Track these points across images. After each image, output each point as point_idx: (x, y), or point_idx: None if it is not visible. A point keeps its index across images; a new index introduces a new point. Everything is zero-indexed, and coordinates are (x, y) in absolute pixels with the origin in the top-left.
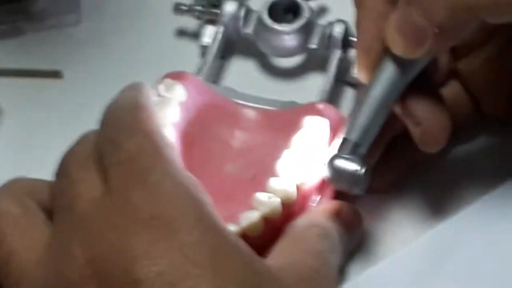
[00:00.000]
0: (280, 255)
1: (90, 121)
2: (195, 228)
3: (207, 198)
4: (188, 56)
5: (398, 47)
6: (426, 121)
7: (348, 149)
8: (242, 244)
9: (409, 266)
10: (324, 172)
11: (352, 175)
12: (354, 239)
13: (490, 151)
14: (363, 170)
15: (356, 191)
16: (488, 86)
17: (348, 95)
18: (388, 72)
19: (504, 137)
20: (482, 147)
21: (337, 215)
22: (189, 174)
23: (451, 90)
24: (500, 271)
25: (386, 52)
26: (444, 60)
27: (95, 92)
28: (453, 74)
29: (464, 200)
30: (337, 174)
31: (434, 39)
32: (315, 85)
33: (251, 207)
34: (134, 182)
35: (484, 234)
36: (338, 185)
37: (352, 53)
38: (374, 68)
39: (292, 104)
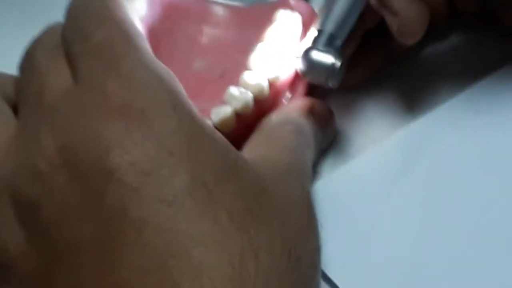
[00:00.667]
0: (254, 150)
1: (53, 15)
2: (170, 117)
3: (181, 88)
4: None
5: None
6: (403, 11)
7: (323, 41)
8: (218, 134)
9: (382, 164)
10: (298, 65)
11: (327, 67)
12: (327, 136)
13: (464, 49)
14: (338, 62)
15: (331, 83)
16: None
17: None
18: None
19: (478, 36)
20: (456, 45)
21: (310, 112)
22: (162, 63)
23: None
24: (471, 169)
25: None
26: None
27: None
28: None
29: (437, 98)
30: (312, 66)
31: None
32: None
33: (222, 103)
34: (106, 70)
35: (457, 132)
36: (312, 77)
37: None
38: None
39: (262, 0)
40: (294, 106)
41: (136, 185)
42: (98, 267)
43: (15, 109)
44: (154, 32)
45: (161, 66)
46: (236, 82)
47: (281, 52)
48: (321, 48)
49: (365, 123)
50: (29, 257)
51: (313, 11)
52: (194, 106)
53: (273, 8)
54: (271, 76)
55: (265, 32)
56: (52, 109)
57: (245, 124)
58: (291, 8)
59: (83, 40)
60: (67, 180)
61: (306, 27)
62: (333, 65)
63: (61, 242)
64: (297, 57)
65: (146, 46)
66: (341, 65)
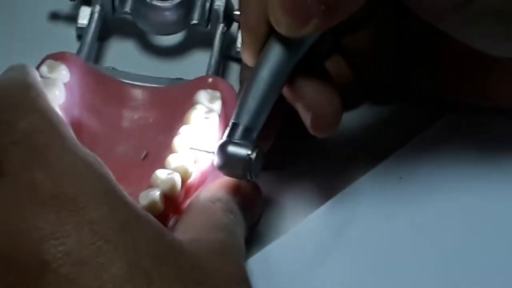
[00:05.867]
0: (186, 230)
1: None
2: (102, 203)
3: (109, 173)
4: (64, 40)
5: (283, 26)
6: (317, 105)
7: (238, 133)
8: (152, 217)
9: (311, 237)
10: (214, 160)
11: (243, 160)
12: (255, 212)
13: (378, 121)
14: (254, 154)
15: (249, 177)
16: (372, 62)
17: (234, 70)
18: (275, 52)
19: (389, 108)
20: (369, 118)
21: (236, 190)
22: (88, 150)
23: (334, 64)
24: (399, 234)
25: (272, 31)
26: (328, 34)
27: None
28: (335, 47)
29: (359, 169)
30: (227, 159)
31: (321, 16)
32: (199, 61)
33: (149, 186)
34: (32, 161)
35: (382, 199)
36: (229, 171)
37: (235, 27)
38: (260, 49)
39: (180, 81)
40: (220, 185)
41: (74, 275)
42: None
43: None
44: (74, 119)
45: (88, 152)
46: (159, 163)
47: (205, 132)
48: (236, 141)
49: (293, 198)
50: None
51: (232, 88)
52: (124, 191)
53: (192, 88)
54: (196, 156)
55: (187, 114)
56: None
57: (173, 206)
58: (211, 86)
59: (6, 131)
60: (1, 274)
61: (226, 105)
62: (249, 157)
63: None
64: (213, 152)
65: (71, 133)
66: (257, 157)
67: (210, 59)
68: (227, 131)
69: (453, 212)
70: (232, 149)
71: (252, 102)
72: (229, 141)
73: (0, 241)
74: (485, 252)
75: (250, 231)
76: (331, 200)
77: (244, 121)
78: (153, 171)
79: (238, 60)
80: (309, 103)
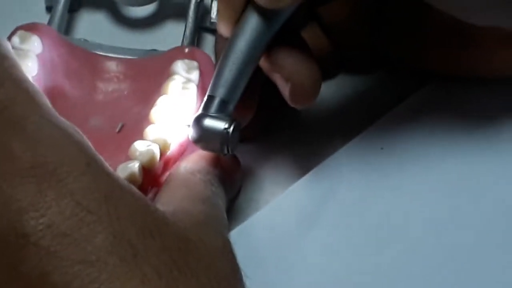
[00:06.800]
0: (168, 202)
1: None
2: (84, 174)
3: (90, 144)
4: (32, 12)
5: None
6: (295, 76)
7: (214, 106)
8: (135, 188)
9: (291, 209)
10: (190, 133)
11: (220, 133)
12: (235, 185)
13: (357, 91)
14: (231, 128)
15: (226, 150)
16: (348, 32)
17: (208, 42)
18: (253, 23)
19: (368, 77)
20: (348, 88)
21: (216, 162)
22: (66, 120)
23: (311, 33)
24: (379, 207)
25: (249, 1)
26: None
27: None
28: (312, 16)
29: (339, 141)
30: (204, 133)
31: None
32: (172, 33)
33: (127, 158)
34: (10, 131)
35: (362, 170)
36: (205, 145)
37: None
38: (237, 19)
39: (154, 52)
40: (200, 156)
41: (55, 248)
42: None
43: None
44: (47, 92)
45: (67, 123)
46: (135, 136)
47: (183, 103)
48: (212, 115)
49: (272, 170)
50: None
51: (209, 58)
52: (105, 161)
53: (169, 58)
54: (175, 127)
55: (164, 84)
56: None
57: (151, 178)
58: (187, 57)
59: None
60: None
61: (204, 75)
62: (226, 131)
63: None
64: (188, 125)
65: (48, 104)
66: (234, 130)
67: (185, 29)
68: (202, 104)
69: (435, 180)
70: (208, 122)
71: (228, 74)
72: (205, 114)
73: None
74: (467, 218)
75: (229, 204)
76: (312, 171)
77: (220, 93)
78: (129, 143)
79: (212, 31)
80: (288, 74)
